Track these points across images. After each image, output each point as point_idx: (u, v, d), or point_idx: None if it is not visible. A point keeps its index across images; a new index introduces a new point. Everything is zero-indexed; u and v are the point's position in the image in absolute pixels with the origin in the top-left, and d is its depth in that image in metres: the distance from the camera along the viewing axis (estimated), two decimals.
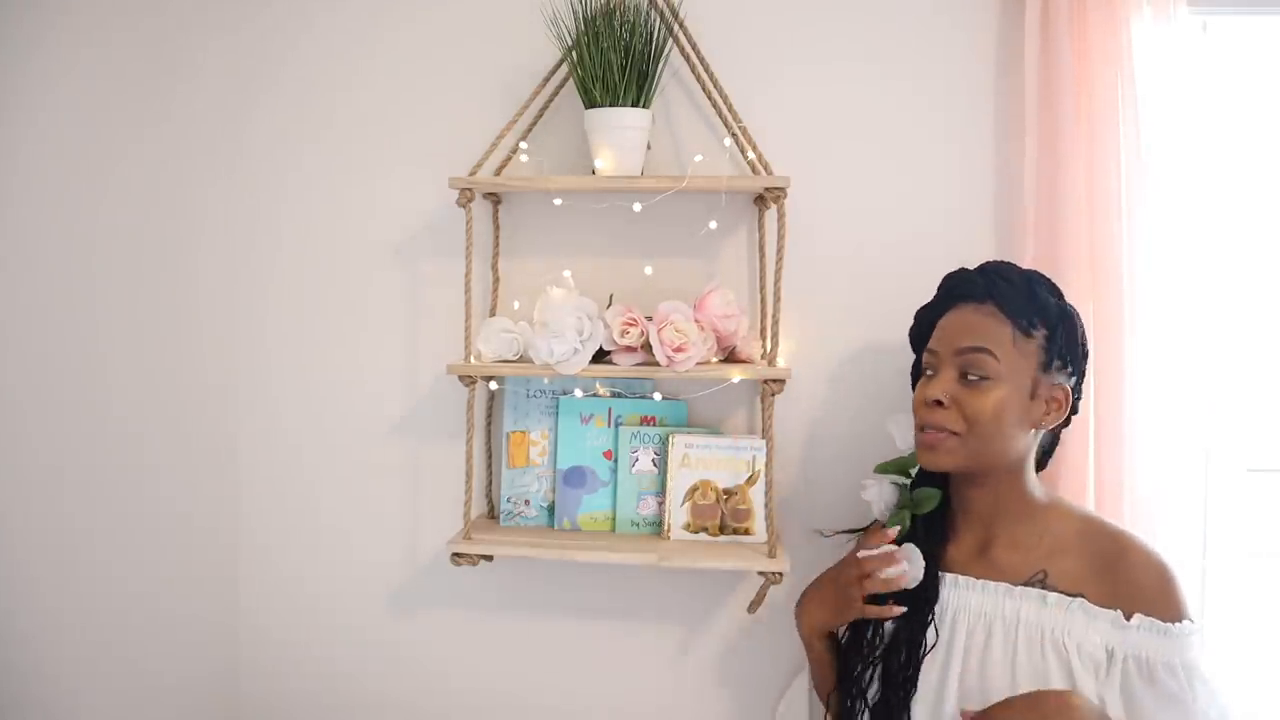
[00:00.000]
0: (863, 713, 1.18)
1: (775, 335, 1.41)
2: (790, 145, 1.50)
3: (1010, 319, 1.13)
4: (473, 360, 1.48)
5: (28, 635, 1.28)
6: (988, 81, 1.50)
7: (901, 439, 1.34)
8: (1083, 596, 1.09)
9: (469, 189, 1.45)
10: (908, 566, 1.15)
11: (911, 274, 1.45)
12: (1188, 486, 1.36)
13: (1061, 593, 1.10)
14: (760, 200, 1.52)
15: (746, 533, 1.47)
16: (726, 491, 1.47)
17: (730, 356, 1.46)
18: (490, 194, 1.57)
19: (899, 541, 1.20)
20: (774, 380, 1.40)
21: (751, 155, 1.46)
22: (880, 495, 1.30)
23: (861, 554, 1.18)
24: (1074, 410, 1.18)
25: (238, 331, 1.70)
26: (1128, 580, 1.08)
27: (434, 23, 1.63)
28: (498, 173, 1.55)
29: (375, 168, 1.65)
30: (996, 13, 1.49)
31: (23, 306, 1.26)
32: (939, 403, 1.14)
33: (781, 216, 1.42)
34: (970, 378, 1.13)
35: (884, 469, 1.33)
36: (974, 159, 1.50)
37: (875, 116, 1.52)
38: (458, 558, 1.46)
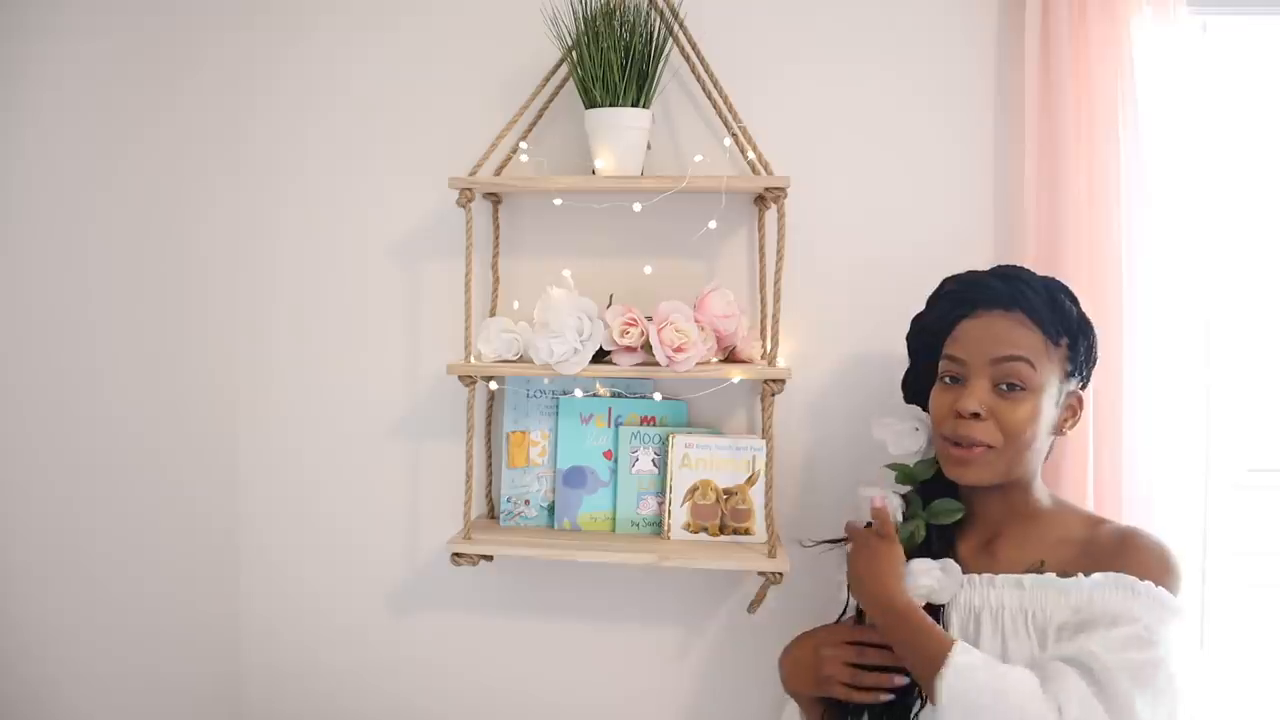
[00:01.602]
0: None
1: (775, 335, 1.41)
2: (790, 145, 1.50)
3: (1040, 328, 1.12)
4: (473, 360, 1.48)
5: (29, 637, 1.28)
6: (988, 81, 1.50)
7: (895, 444, 1.30)
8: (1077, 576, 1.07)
9: (469, 189, 1.45)
10: (941, 581, 1.14)
11: (912, 274, 1.45)
12: (1187, 486, 1.36)
13: (1051, 573, 1.09)
14: (760, 200, 1.52)
15: (746, 533, 1.47)
16: (726, 491, 1.47)
17: (730, 356, 1.46)
18: (490, 194, 1.57)
19: (919, 551, 1.18)
20: (774, 380, 1.40)
21: (751, 155, 1.46)
22: (893, 508, 1.24)
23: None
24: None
25: (238, 331, 1.70)
26: (1124, 559, 1.05)
27: (434, 23, 1.63)
28: (498, 173, 1.55)
29: (375, 168, 1.65)
30: (996, 13, 1.49)
31: (23, 306, 1.26)
32: (976, 415, 1.11)
33: (781, 216, 1.42)
34: (1004, 388, 1.11)
35: (901, 474, 1.29)
36: (974, 159, 1.50)
37: (875, 116, 1.52)
38: (458, 558, 1.46)
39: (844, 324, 1.53)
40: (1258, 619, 1.48)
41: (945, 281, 1.24)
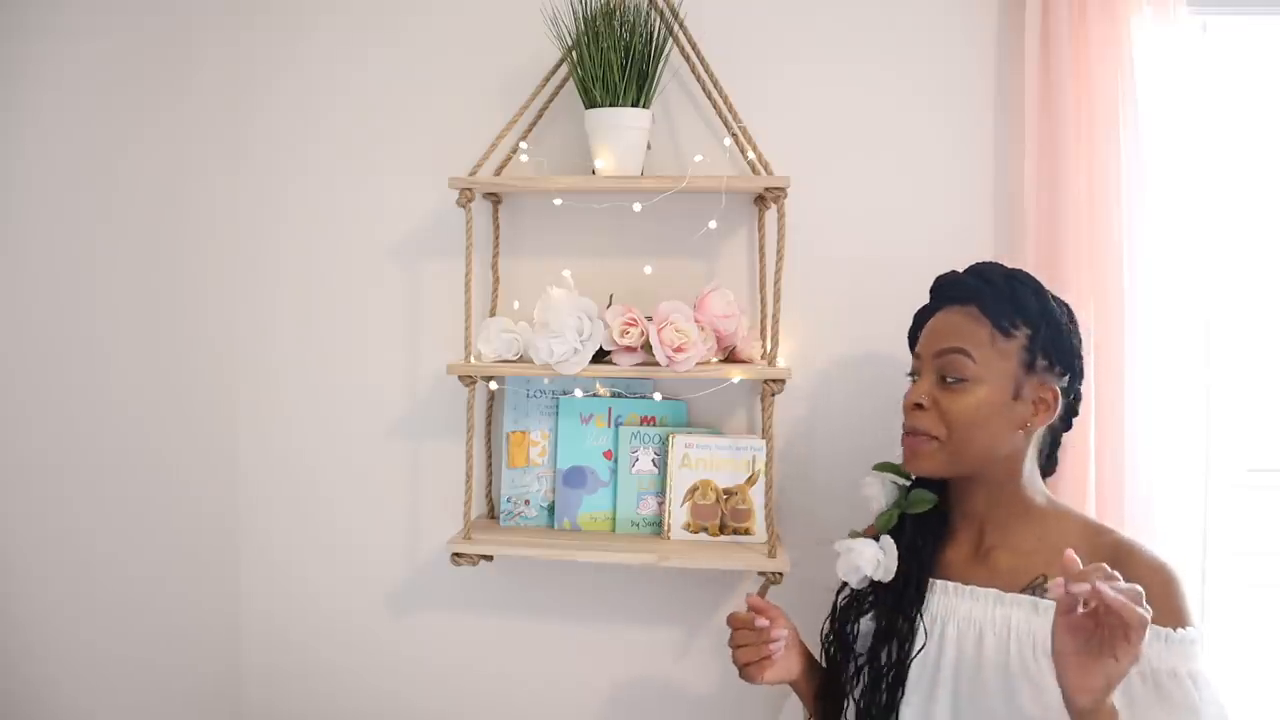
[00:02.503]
0: (848, 711, 1.17)
1: (775, 335, 1.41)
2: (790, 145, 1.50)
3: (989, 318, 1.12)
4: (473, 360, 1.48)
5: (30, 636, 1.28)
6: (988, 82, 1.50)
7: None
8: None
9: (469, 189, 1.45)
10: (875, 560, 1.18)
11: (911, 274, 1.45)
12: (1188, 486, 1.36)
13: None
14: (760, 200, 1.52)
15: (746, 533, 1.47)
16: (726, 491, 1.47)
17: (730, 356, 1.46)
18: (490, 194, 1.57)
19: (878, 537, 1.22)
20: (774, 380, 1.40)
21: (751, 155, 1.46)
22: (881, 493, 1.29)
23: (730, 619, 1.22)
24: (1074, 412, 1.19)
25: (239, 332, 1.71)
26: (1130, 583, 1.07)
27: (434, 23, 1.63)
28: (498, 173, 1.55)
29: (376, 168, 1.66)
30: (996, 13, 1.49)
31: (24, 307, 1.26)
32: (919, 406, 1.15)
33: (781, 216, 1.42)
34: (948, 380, 1.13)
35: (882, 468, 1.32)
36: (974, 159, 1.50)
37: (875, 116, 1.52)
38: (458, 558, 1.46)
39: (844, 324, 1.53)
40: (1258, 619, 1.48)
41: (933, 281, 1.26)
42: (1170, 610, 1.04)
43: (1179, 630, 1.03)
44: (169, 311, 1.55)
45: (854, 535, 1.26)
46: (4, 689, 1.24)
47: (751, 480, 1.47)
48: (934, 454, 1.14)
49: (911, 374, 1.21)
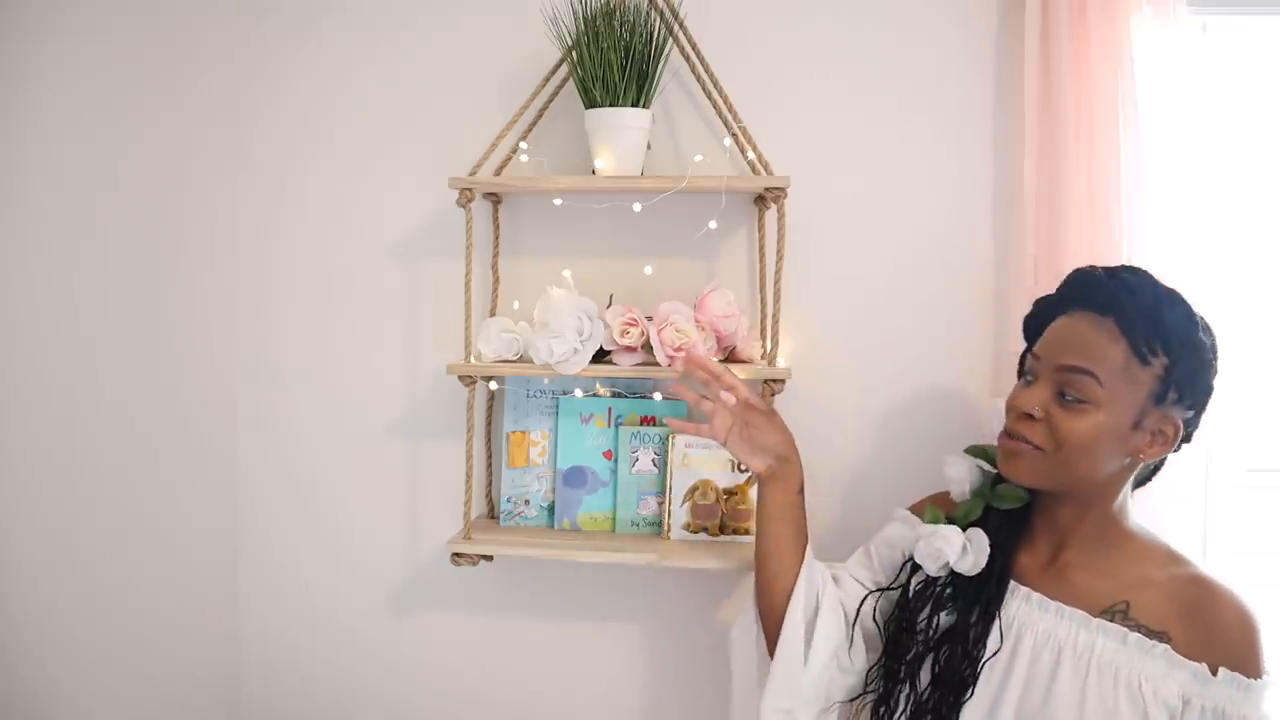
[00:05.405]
0: (906, 702, 1.14)
1: (775, 335, 1.41)
2: (790, 145, 1.50)
3: (1127, 339, 1.02)
4: (473, 360, 1.48)
5: (29, 636, 1.28)
6: (988, 81, 1.50)
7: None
8: (1167, 636, 1.03)
9: (469, 189, 1.45)
10: (960, 550, 1.13)
11: (911, 273, 1.46)
12: (1188, 486, 1.36)
13: (1145, 629, 1.04)
14: (760, 200, 1.52)
15: (746, 533, 1.47)
16: (726, 491, 1.47)
17: (730, 356, 1.46)
18: (490, 194, 1.57)
19: (965, 527, 1.16)
20: (774, 380, 1.40)
21: (751, 155, 1.46)
22: (965, 476, 1.23)
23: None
24: (1188, 439, 1.10)
25: (239, 332, 1.71)
26: (1213, 628, 1.02)
27: (434, 24, 1.63)
28: (498, 173, 1.55)
29: (376, 168, 1.65)
30: (996, 13, 1.49)
31: (24, 308, 1.26)
32: (1030, 416, 1.08)
33: (781, 216, 1.42)
34: (1067, 397, 1.05)
35: (973, 451, 1.26)
36: (974, 159, 1.50)
37: (875, 116, 1.52)
38: (458, 558, 1.46)
39: (844, 324, 1.53)
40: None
41: (1070, 272, 1.15)
42: (1251, 657, 1.01)
43: (1259, 680, 1.00)
44: (169, 312, 1.54)
45: (933, 516, 1.20)
46: (3, 689, 1.23)
47: (752, 480, 1.47)
48: (1034, 464, 1.08)
49: (1024, 374, 1.13)
